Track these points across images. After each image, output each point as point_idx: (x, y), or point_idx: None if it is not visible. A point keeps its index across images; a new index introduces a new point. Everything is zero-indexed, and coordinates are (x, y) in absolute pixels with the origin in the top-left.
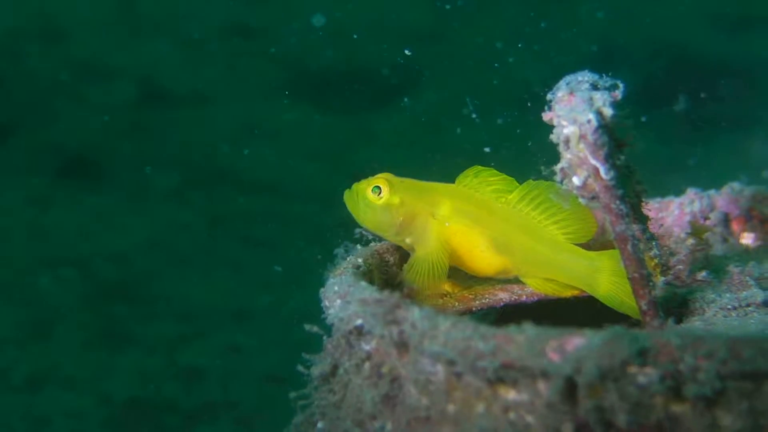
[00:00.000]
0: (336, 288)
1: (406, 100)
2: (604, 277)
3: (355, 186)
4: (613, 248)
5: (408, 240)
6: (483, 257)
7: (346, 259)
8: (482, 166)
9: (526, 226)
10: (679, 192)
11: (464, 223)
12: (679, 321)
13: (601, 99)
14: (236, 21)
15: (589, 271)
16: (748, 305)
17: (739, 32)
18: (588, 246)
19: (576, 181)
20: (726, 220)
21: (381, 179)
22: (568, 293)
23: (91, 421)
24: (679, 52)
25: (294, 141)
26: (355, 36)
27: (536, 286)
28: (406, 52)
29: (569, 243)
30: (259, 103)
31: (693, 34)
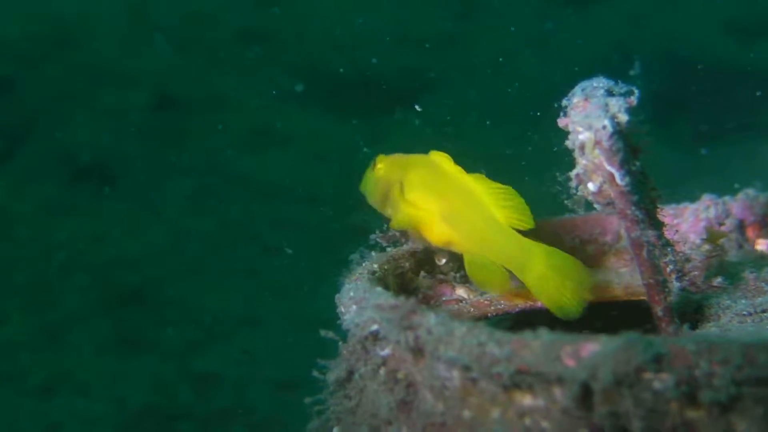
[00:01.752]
0: (351, 293)
1: (420, 104)
2: (536, 266)
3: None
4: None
5: (388, 211)
6: (434, 226)
7: (361, 264)
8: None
9: (476, 202)
10: (693, 198)
11: (423, 191)
12: (694, 327)
13: (617, 105)
14: (249, 26)
15: (521, 254)
16: (763, 311)
17: (754, 38)
18: (600, 250)
19: (591, 187)
20: (741, 226)
21: (379, 155)
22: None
23: (105, 427)
24: (693, 58)
25: (307, 146)
26: (368, 41)
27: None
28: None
29: (509, 228)
30: (272, 109)
31: (707, 40)
